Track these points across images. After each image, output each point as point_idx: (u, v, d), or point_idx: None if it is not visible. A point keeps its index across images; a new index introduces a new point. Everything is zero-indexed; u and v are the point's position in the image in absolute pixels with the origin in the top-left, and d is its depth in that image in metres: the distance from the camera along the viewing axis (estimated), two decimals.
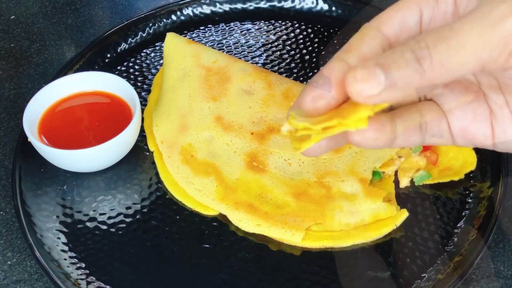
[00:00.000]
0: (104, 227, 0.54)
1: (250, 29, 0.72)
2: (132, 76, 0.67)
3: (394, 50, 0.31)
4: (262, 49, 0.69)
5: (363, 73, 0.30)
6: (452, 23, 0.31)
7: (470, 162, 0.55)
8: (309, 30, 0.72)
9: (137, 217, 0.54)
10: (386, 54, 0.31)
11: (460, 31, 0.30)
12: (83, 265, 0.51)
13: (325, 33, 0.71)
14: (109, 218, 0.54)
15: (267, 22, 0.73)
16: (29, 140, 0.54)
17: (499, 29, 0.30)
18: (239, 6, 0.74)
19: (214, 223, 0.53)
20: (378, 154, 0.55)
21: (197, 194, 0.55)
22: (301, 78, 0.65)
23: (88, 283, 0.49)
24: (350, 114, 0.31)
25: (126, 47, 0.70)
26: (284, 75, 0.66)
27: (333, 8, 0.73)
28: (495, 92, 0.36)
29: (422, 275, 0.49)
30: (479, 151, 0.56)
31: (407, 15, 0.34)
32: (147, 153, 0.59)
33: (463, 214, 0.53)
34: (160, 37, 0.70)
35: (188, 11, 0.73)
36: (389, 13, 0.34)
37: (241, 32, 0.71)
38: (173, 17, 0.72)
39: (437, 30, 0.31)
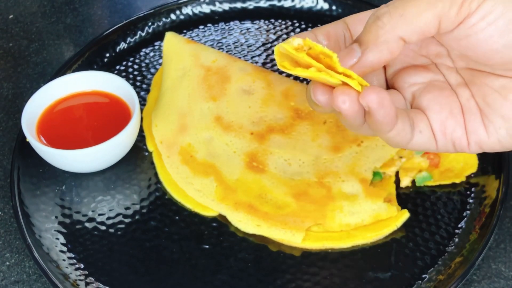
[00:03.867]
0: (103, 227, 0.53)
1: (249, 28, 0.72)
2: (131, 76, 0.67)
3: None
4: (262, 48, 0.69)
5: (344, 52, 0.36)
6: None
7: (471, 165, 0.55)
8: (309, 30, 0.71)
9: (136, 217, 0.54)
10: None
11: None
12: (82, 265, 0.51)
13: None
14: (108, 218, 0.54)
15: (266, 21, 0.72)
16: (27, 140, 0.54)
17: None
18: (238, 5, 0.74)
19: (214, 224, 0.53)
20: (378, 154, 0.55)
21: (197, 195, 0.55)
22: (301, 78, 0.65)
23: (87, 283, 0.49)
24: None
25: (125, 47, 0.70)
26: (284, 74, 0.66)
27: (333, 7, 0.73)
28: (461, 87, 0.39)
29: (423, 275, 0.49)
30: None
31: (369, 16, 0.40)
32: (146, 153, 0.59)
33: (464, 214, 0.53)
34: (159, 36, 0.70)
35: (187, 10, 0.73)
36: (357, 13, 0.41)
37: (240, 31, 0.71)
38: (172, 16, 0.72)
39: None
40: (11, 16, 0.78)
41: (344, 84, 0.35)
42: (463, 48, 0.37)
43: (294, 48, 0.35)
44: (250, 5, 0.74)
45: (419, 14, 0.34)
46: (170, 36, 0.67)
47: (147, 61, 0.68)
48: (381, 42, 0.35)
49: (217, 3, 0.73)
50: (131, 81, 0.66)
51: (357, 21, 0.40)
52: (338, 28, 0.40)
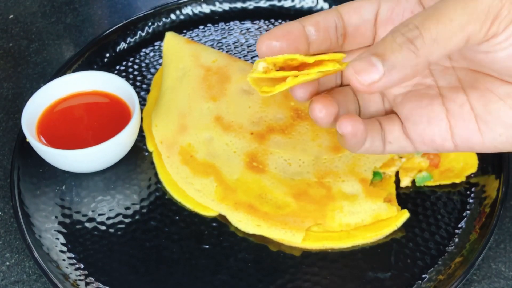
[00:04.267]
0: (103, 227, 0.53)
1: (249, 28, 0.72)
2: (131, 76, 0.67)
3: (384, 38, 0.34)
4: None
5: (361, 64, 0.33)
6: (435, 5, 0.34)
7: (471, 165, 0.55)
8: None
9: (136, 217, 0.54)
10: (378, 43, 0.34)
11: (445, 9, 0.33)
12: (82, 265, 0.51)
13: None
14: (108, 218, 0.54)
15: (267, 22, 0.72)
16: (27, 140, 0.54)
17: (479, 3, 0.33)
18: (238, 5, 0.74)
19: (214, 224, 0.53)
20: None
21: (197, 195, 0.55)
22: None
23: (87, 283, 0.49)
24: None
25: (125, 47, 0.70)
26: None
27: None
28: (455, 92, 0.39)
29: (423, 275, 0.49)
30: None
31: (365, 5, 0.39)
32: (146, 153, 0.59)
33: (464, 214, 0.53)
34: (159, 36, 0.70)
35: (187, 10, 0.73)
36: (352, 1, 0.39)
37: (240, 31, 0.71)
38: (172, 16, 0.72)
39: (422, 12, 0.34)
40: (11, 16, 0.78)
41: (323, 72, 0.35)
42: (477, 60, 0.36)
43: (262, 72, 0.35)
44: (250, 5, 0.74)
45: (451, 37, 0.33)
46: (170, 36, 0.67)
47: (147, 61, 0.68)
48: (411, 66, 0.34)
49: (217, 3, 0.73)
50: (131, 81, 0.66)
51: (351, 10, 0.39)
52: (329, 18, 0.39)
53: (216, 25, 0.72)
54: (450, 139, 0.39)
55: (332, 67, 0.34)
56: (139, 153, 0.59)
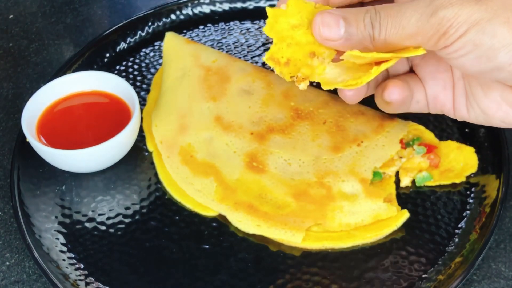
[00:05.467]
0: (103, 227, 0.53)
1: (249, 28, 0.72)
2: (131, 76, 0.67)
3: (359, 10, 0.39)
4: (262, 48, 0.69)
5: (330, 19, 0.38)
6: (402, 5, 0.38)
7: (471, 165, 0.55)
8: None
9: (136, 217, 0.54)
10: (352, 10, 0.39)
11: (403, 14, 0.37)
12: (82, 265, 0.51)
13: None
14: (108, 218, 0.54)
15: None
16: (27, 140, 0.54)
17: (432, 19, 0.37)
18: (238, 5, 0.74)
19: (214, 224, 0.53)
20: (378, 154, 0.55)
21: (197, 195, 0.55)
22: None
23: (87, 284, 0.49)
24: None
25: (125, 47, 0.70)
26: None
27: None
28: None
29: (423, 275, 0.49)
30: (480, 152, 0.56)
31: None
32: (146, 153, 0.59)
33: (464, 214, 0.53)
34: (159, 36, 0.70)
35: (187, 10, 0.73)
36: None
37: (240, 31, 0.71)
38: (173, 17, 0.72)
39: (391, 5, 0.39)
40: (11, 16, 0.78)
41: None
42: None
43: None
44: (250, 5, 0.74)
45: (400, 42, 0.38)
46: (170, 36, 0.67)
47: (147, 61, 0.68)
48: (361, 45, 0.39)
49: (217, 3, 0.73)
50: (131, 81, 0.66)
51: None
52: None
53: (216, 25, 0.72)
54: (453, 110, 0.44)
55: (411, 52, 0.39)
56: (139, 153, 0.59)
